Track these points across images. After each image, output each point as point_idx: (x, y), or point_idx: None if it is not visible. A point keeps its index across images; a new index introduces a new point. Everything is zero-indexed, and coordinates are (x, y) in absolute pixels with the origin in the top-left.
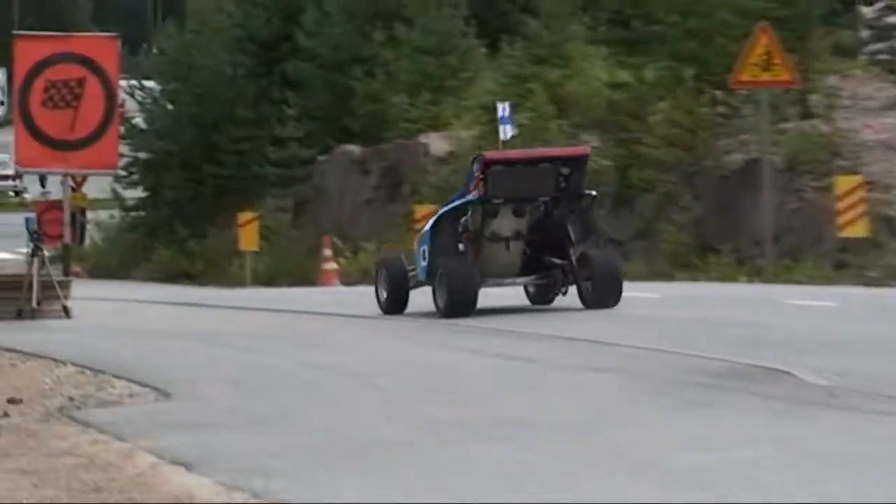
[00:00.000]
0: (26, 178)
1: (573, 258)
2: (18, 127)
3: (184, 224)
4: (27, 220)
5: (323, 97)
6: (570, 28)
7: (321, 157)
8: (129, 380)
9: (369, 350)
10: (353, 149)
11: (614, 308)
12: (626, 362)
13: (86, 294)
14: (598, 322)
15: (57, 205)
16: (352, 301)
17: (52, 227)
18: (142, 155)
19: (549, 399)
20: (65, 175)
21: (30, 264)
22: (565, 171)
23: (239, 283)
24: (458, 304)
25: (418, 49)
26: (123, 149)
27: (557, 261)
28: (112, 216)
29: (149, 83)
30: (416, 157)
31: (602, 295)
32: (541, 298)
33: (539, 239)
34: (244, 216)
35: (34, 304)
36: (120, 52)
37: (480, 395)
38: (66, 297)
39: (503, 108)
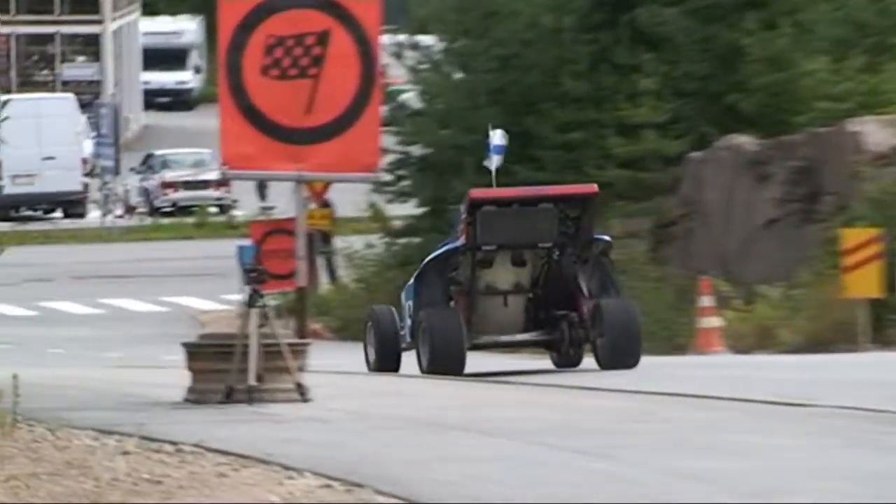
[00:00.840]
0: (237, 185)
1: (585, 312)
2: (225, 107)
3: None
4: (240, 250)
5: (697, 62)
6: None
7: (695, 155)
8: (402, 499)
9: (766, 450)
10: (745, 141)
11: None
12: None
13: (331, 365)
14: None
15: (285, 228)
16: (741, 375)
17: (278, 263)
18: (416, 150)
19: None
20: (297, 182)
21: (245, 320)
22: (572, 213)
23: None
24: (442, 363)
25: None
26: (387, 140)
27: (563, 312)
28: (370, 245)
29: (426, 39)
30: (844, 155)
31: (616, 353)
32: (565, 360)
33: (546, 293)
34: None
35: (251, 380)
36: None
37: None
38: (300, 370)
39: (493, 136)
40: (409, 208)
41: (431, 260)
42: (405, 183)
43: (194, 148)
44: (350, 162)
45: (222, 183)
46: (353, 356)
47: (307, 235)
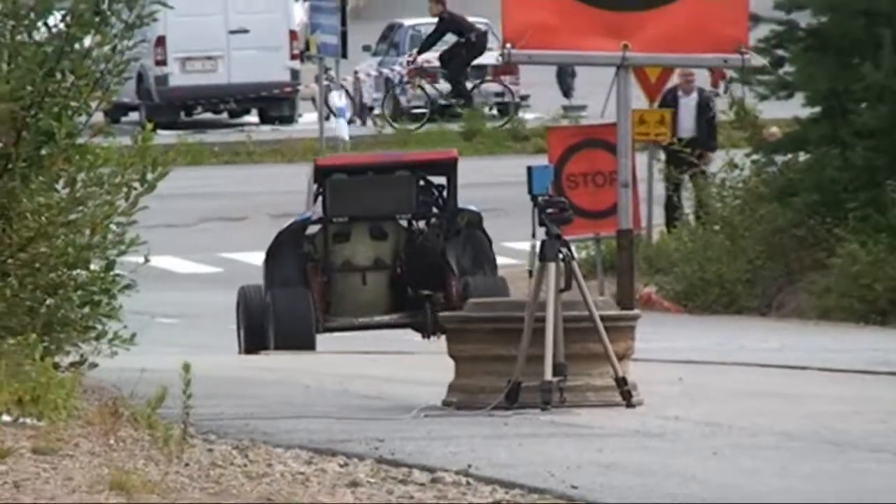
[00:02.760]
0: (528, 73)
1: (454, 291)
2: None
3: None
4: (532, 173)
5: None
6: None
7: None
8: None
9: None
10: None
11: None
12: None
13: (672, 349)
14: None
15: (601, 139)
16: None
17: (591, 193)
18: (804, 18)
19: None
20: (621, 67)
21: (538, 281)
22: (436, 181)
23: None
24: (286, 349)
25: None
26: (758, 3)
27: (427, 292)
28: (732, 165)
29: None
30: None
31: None
32: None
33: (410, 269)
34: None
35: (548, 374)
36: None
37: None
38: (624, 358)
39: (339, 96)
40: (794, 108)
41: (283, 232)
42: (787, 69)
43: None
44: (701, 36)
45: (505, 70)
46: (703, 336)
47: (648, 149)
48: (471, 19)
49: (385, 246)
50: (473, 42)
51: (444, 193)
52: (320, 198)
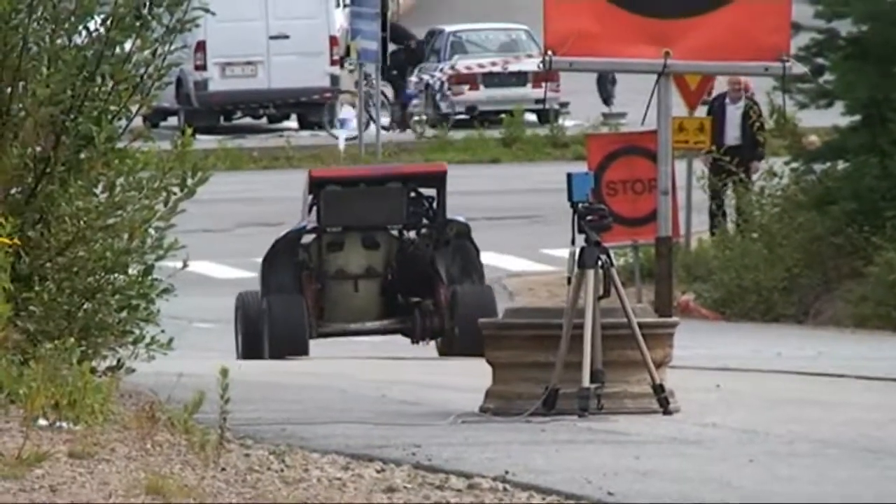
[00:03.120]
0: (568, 80)
1: (443, 298)
2: None
3: None
4: (571, 179)
5: None
6: None
7: None
8: None
9: None
10: None
11: None
12: None
13: (711, 356)
14: None
15: (641, 146)
16: None
17: (630, 200)
18: (844, 26)
19: None
20: (662, 75)
21: (576, 288)
22: (426, 192)
23: None
24: (280, 353)
25: None
26: (798, 11)
27: (416, 299)
28: (771, 174)
29: None
30: None
31: (466, 341)
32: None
33: (401, 277)
34: None
35: (586, 381)
36: None
37: None
38: (662, 365)
39: (341, 110)
40: (834, 116)
41: (279, 241)
42: (827, 77)
43: (503, 22)
44: (743, 44)
45: (545, 77)
46: (740, 343)
47: (694, 154)
48: (512, 26)
49: (377, 255)
50: (413, 49)
51: (434, 205)
52: (315, 208)
